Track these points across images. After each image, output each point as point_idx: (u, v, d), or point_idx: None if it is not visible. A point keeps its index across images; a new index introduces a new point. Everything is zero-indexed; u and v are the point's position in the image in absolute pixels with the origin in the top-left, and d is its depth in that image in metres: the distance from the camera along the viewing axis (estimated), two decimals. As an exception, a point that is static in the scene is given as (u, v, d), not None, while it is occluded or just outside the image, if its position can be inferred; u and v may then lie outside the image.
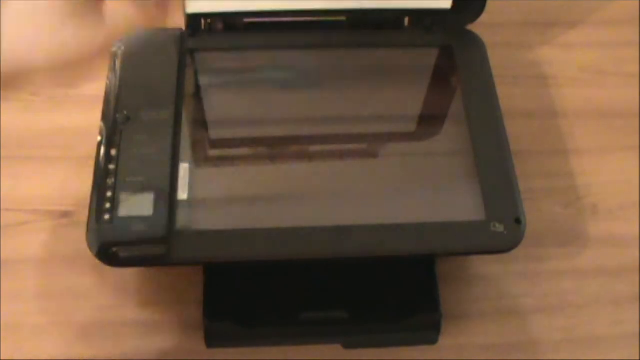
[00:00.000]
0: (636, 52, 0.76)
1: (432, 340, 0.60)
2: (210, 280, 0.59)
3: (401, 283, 0.60)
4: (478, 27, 0.67)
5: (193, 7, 0.63)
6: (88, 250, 0.53)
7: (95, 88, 0.65)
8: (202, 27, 0.64)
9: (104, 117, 0.58)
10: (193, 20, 0.64)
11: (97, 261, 0.59)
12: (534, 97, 0.73)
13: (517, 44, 0.76)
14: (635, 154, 0.70)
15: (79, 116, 0.68)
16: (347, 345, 0.59)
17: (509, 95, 0.70)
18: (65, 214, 0.64)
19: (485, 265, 0.64)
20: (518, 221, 0.56)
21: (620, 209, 0.67)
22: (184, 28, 0.64)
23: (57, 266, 0.62)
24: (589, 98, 0.73)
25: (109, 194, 0.54)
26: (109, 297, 0.61)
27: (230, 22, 0.64)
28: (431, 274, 0.61)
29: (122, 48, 0.62)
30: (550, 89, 0.73)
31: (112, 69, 0.61)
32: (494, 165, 0.58)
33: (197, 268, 0.60)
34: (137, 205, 0.54)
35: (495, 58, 0.67)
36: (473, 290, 0.63)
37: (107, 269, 0.60)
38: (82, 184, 0.62)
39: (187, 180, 0.56)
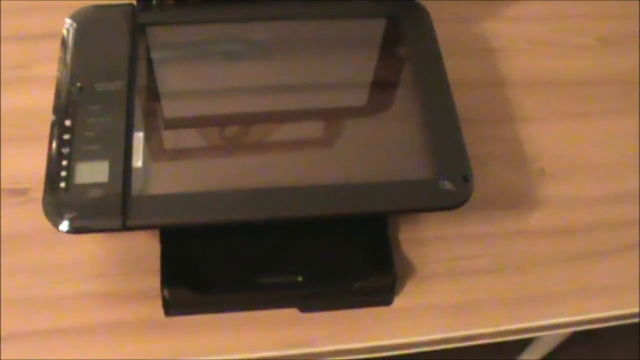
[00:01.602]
0: (579, 24, 0.80)
1: (388, 302, 0.62)
2: (167, 249, 0.61)
3: (355, 246, 0.62)
4: (428, 3, 0.70)
5: (143, -17, 0.64)
6: (44, 227, 0.54)
7: (51, 68, 0.65)
8: (153, 1, 0.66)
9: (58, 89, 0.60)
10: (143, -5, 0.65)
11: (52, 237, 0.61)
12: (483, 68, 0.76)
13: (466, 19, 0.79)
14: (580, 121, 0.73)
15: (35, 96, 0.69)
16: (304, 309, 0.61)
17: (459, 67, 0.72)
18: (22, 192, 0.65)
19: (438, 228, 0.66)
20: (466, 178, 0.58)
21: (567, 172, 0.70)
22: (134, 3, 0.66)
23: (13, 243, 0.63)
24: (536, 68, 0.76)
25: (65, 162, 0.56)
26: (65, 271, 0.62)
27: (180, -4, 0.66)
28: (384, 236, 0.63)
29: (74, 24, 0.64)
30: (499, 60, 0.76)
31: (65, 44, 0.63)
32: (441, 126, 0.61)
33: (155, 238, 0.62)
34: (93, 173, 0.56)
35: (445, 32, 0.70)
36: (427, 252, 0.65)
37: (63, 243, 0.62)
38: (38, 162, 0.62)
39: (141, 147, 0.58)
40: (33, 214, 0.57)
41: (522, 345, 1.20)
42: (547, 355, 1.20)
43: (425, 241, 0.65)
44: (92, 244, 0.63)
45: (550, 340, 1.13)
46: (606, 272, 0.65)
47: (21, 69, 0.72)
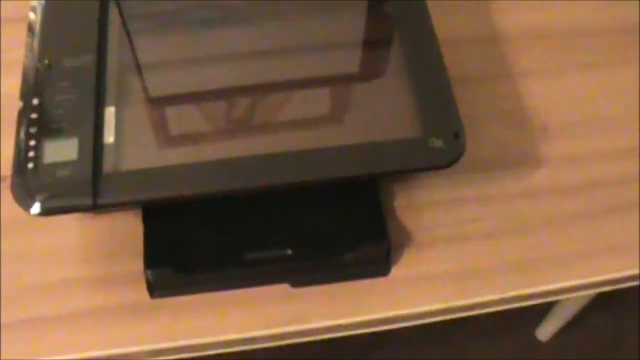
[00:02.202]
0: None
1: (384, 272, 0.59)
2: (149, 229, 0.59)
3: (346, 215, 0.60)
4: None
5: (111, -47, 0.62)
6: (25, 213, 0.52)
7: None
8: (124, -27, 0.63)
9: (25, 67, 0.58)
10: (112, -34, 0.63)
11: (34, 223, 0.59)
12: (477, 23, 0.72)
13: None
14: (581, 73, 0.69)
15: (12, 81, 0.67)
16: (295, 284, 0.59)
17: (452, 23, 0.70)
18: (2, 179, 0.63)
19: (434, 192, 0.63)
20: (456, 135, 0.55)
21: (570, 127, 0.66)
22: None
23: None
24: (532, 21, 0.73)
25: (33, 142, 0.54)
26: (49, 257, 0.60)
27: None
28: (376, 202, 0.60)
29: (42, 1, 0.61)
30: (493, 14, 0.73)
31: (32, 22, 0.60)
32: (430, 83, 0.58)
33: (138, 218, 0.59)
34: (62, 151, 0.54)
35: None
36: (424, 218, 0.62)
37: (46, 229, 0.60)
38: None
39: (113, 123, 0.56)
40: (12, 200, 0.55)
41: (538, 318, 1.17)
42: (565, 326, 1.16)
43: (422, 207, 0.62)
44: (75, 228, 0.61)
45: (564, 310, 1.09)
46: (614, 231, 0.62)
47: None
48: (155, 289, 0.58)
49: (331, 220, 0.59)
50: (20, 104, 0.56)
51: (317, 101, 0.60)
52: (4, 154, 0.63)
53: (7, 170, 0.55)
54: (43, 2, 0.62)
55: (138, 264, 0.58)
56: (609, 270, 0.60)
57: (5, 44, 0.70)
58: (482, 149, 0.64)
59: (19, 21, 0.66)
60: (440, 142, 0.54)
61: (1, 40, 0.71)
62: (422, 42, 0.60)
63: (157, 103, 0.59)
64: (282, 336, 0.58)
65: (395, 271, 0.59)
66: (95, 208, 0.52)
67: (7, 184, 0.61)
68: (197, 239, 0.59)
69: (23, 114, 0.56)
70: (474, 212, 0.62)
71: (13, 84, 0.59)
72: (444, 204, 0.62)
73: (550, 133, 0.66)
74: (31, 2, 0.63)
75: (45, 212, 0.52)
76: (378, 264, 0.59)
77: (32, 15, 0.62)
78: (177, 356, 0.58)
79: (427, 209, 0.62)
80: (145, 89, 0.60)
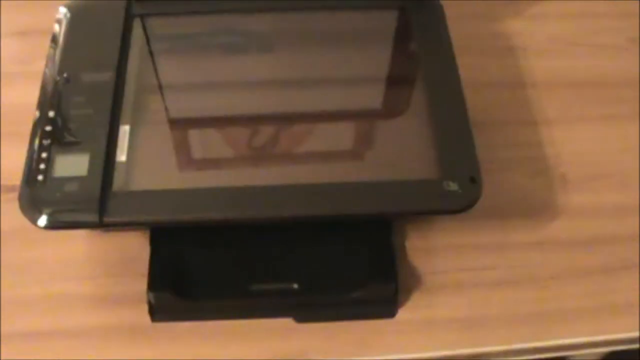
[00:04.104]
0: (606, 24, 0.76)
1: (390, 314, 0.58)
2: (156, 251, 0.58)
3: (356, 253, 0.59)
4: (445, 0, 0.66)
5: (140, -28, 0.62)
6: (31, 225, 0.52)
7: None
8: (150, -9, 0.63)
9: (44, 80, 0.58)
10: (140, -15, 0.63)
11: (41, 235, 0.58)
12: (502, 67, 0.71)
13: (486, 16, 0.75)
14: (605, 124, 0.68)
15: (31, 92, 0.67)
16: (300, 319, 0.58)
17: (476, 66, 0.69)
18: (13, 189, 0.62)
19: (448, 236, 0.62)
20: (473, 180, 0.54)
21: (590, 179, 0.65)
22: (132, -6, 0.64)
23: (3, 240, 0.60)
24: (559, 69, 0.72)
25: (44, 154, 0.54)
26: (53, 271, 0.59)
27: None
28: (388, 243, 0.59)
29: (68, 14, 0.62)
30: (519, 59, 0.72)
31: (56, 34, 0.60)
32: (450, 125, 0.57)
33: (145, 239, 0.59)
34: (72, 166, 0.53)
35: (463, 29, 0.66)
36: (435, 261, 0.61)
37: (53, 241, 0.60)
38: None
39: (126, 141, 0.55)
40: (19, 211, 0.54)
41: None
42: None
43: (434, 250, 0.61)
44: (82, 244, 0.60)
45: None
46: (629, 288, 0.60)
47: (22, 64, 0.71)
48: (157, 312, 0.57)
49: (340, 257, 0.58)
50: (36, 115, 0.56)
51: (335, 135, 0.59)
52: (18, 163, 0.63)
53: (16, 180, 0.55)
54: (69, 15, 0.62)
55: (141, 285, 0.57)
56: (622, 329, 0.58)
57: (32, 54, 0.70)
58: (499, 195, 0.63)
59: (47, 33, 0.67)
60: (456, 186, 0.53)
61: (25, 50, 0.71)
62: (446, 83, 0.60)
63: (172, 125, 0.59)
64: (282, 370, 0.57)
65: (402, 313, 0.58)
66: (102, 226, 0.51)
67: (14, 194, 0.62)
68: (203, 265, 0.58)
69: (38, 124, 0.56)
70: (486, 259, 0.61)
71: (32, 95, 0.59)
72: (456, 248, 0.61)
73: (569, 184, 0.64)
74: (60, 8, 0.63)
75: (52, 225, 0.52)
76: (384, 304, 0.58)
77: (56, 28, 0.62)
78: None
79: (438, 253, 0.61)
80: (161, 111, 0.59)
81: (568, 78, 0.71)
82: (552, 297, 0.59)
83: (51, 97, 0.56)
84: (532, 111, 0.68)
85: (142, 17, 0.63)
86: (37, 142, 0.54)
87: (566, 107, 0.69)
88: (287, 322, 0.57)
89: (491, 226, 0.62)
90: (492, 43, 0.73)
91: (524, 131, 0.67)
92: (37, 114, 0.56)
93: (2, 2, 0.75)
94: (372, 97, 0.62)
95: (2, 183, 0.63)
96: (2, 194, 0.62)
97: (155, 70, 0.61)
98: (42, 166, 0.53)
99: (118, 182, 0.53)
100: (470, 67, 0.63)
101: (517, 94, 0.69)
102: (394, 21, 0.65)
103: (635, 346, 0.60)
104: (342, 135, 0.59)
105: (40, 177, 0.52)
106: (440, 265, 0.60)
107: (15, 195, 0.61)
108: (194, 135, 0.59)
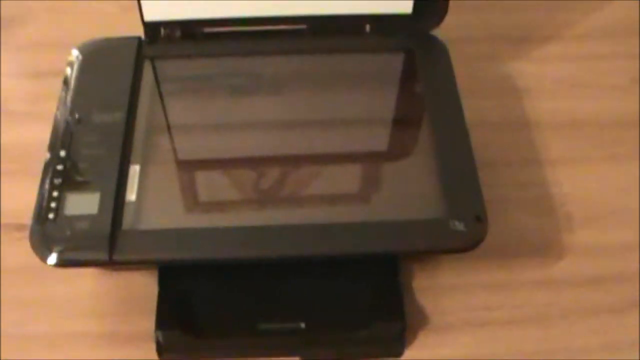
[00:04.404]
0: (609, 65, 0.77)
1: (397, 353, 0.58)
2: (163, 289, 0.58)
3: (363, 292, 0.59)
4: (451, 41, 0.68)
5: (151, 15, 0.64)
6: (40, 262, 0.53)
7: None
8: (161, 34, 0.65)
9: (56, 120, 0.59)
10: (151, 28, 0.65)
11: (51, 272, 0.59)
12: (506, 108, 0.72)
13: (490, 58, 0.76)
14: (610, 164, 0.69)
15: (40, 131, 0.68)
16: (306, 358, 0.58)
17: (481, 107, 0.70)
18: (20, 227, 0.63)
19: (455, 275, 0.62)
20: (479, 219, 0.55)
21: (595, 218, 0.65)
22: (143, 36, 0.65)
23: (9, 278, 0.61)
24: (563, 109, 0.73)
25: (55, 193, 0.55)
26: (59, 308, 0.60)
27: (189, 30, 0.65)
28: (395, 282, 0.59)
29: (80, 56, 0.63)
30: (523, 100, 0.73)
31: (68, 75, 0.62)
32: (455, 165, 0.58)
33: (153, 277, 0.59)
34: (83, 205, 0.54)
35: (468, 71, 0.68)
36: (442, 301, 0.61)
37: (59, 279, 0.60)
38: (38, 197, 0.61)
39: (136, 181, 0.56)
40: (28, 248, 0.55)
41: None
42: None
43: (441, 289, 0.61)
44: (90, 281, 0.61)
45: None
46: (636, 327, 0.60)
47: (33, 104, 0.72)
48: (165, 351, 0.57)
49: (348, 296, 0.59)
50: (47, 154, 0.57)
51: (342, 176, 0.60)
52: (26, 201, 0.63)
53: (26, 218, 0.56)
54: (80, 57, 0.63)
55: (149, 323, 0.57)
56: (629, 368, 0.58)
57: (42, 95, 0.72)
58: (505, 234, 0.63)
59: (57, 75, 0.68)
60: (462, 225, 0.54)
61: (37, 91, 0.72)
62: (451, 124, 0.61)
63: (182, 166, 0.60)
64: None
65: (409, 353, 0.58)
66: (111, 264, 0.52)
67: (23, 232, 0.62)
68: (211, 304, 0.58)
69: (49, 164, 0.57)
70: (492, 298, 0.61)
71: (43, 135, 0.61)
72: (462, 287, 0.61)
73: (574, 223, 0.65)
74: (73, 50, 0.65)
75: (62, 263, 0.52)
76: (392, 343, 0.58)
77: (68, 70, 0.63)
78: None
79: (445, 292, 0.61)
80: (171, 151, 0.60)
81: (572, 119, 0.72)
82: (559, 335, 0.59)
83: (63, 137, 0.58)
84: (536, 151, 0.69)
85: (152, 59, 0.64)
86: (48, 180, 0.55)
87: (570, 147, 0.70)
88: (293, 360, 0.58)
89: (497, 265, 0.62)
90: (497, 84, 0.74)
91: (529, 171, 0.68)
92: (49, 153, 0.57)
93: (15, 44, 0.77)
94: (379, 138, 0.63)
95: (11, 221, 0.64)
96: (11, 232, 0.63)
97: (165, 111, 0.63)
98: (53, 204, 0.54)
99: (128, 221, 0.54)
100: (475, 108, 0.64)
101: (521, 135, 0.70)
102: (399, 63, 0.67)
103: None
104: (348, 176, 0.60)
105: (51, 215, 0.53)
106: (447, 304, 0.60)
107: (24, 233, 0.62)
108: (203, 176, 0.60)
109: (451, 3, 0.66)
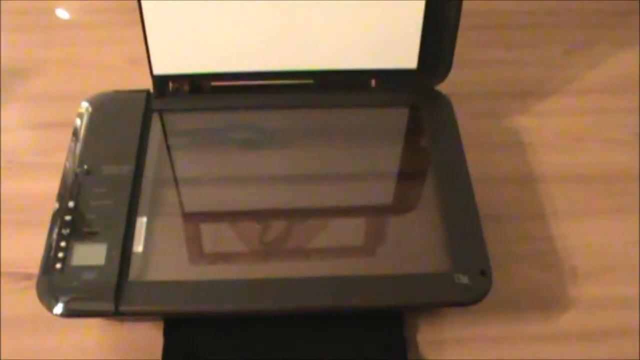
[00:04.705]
0: (613, 119, 0.78)
1: (402, 407, 0.58)
2: (169, 341, 0.58)
3: (368, 345, 0.59)
4: (456, 96, 0.69)
5: (160, 69, 0.65)
6: (46, 312, 0.53)
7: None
8: (169, 88, 0.66)
9: (65, 171, 0.60)
10: (160, 81, 0.66)
11: (56, 322, 0.59)
12: (511, 163, 0.73)
13: (494, 112, 0.78)
14: (614, 217, 0.69)
15: (48, 182, 0.69)
16: (311, 411, 0.57)
17: (486, 161, 0.71)
18: (28, 276, 0.64)
19: (460, 329, 0.62)
20: (483, 273, 0.55)
21: (600, 272, 0.66)
22: (151, 89, 0.66)
23: (17, 327, 0.61)
24: (567, 163, 0.73)
25: (63, 244, 0.55)
26: (65, 358, 0.59)
27: (197, 84, 0.66)
28: (399, 336, 0.59)
29: (89, 108, 0.64)
30: (528, 155, 0.73)
31: (78, 126, 0.63)
32: (460, 219, 0.59)
33: (158, 328, 0.59)
34: (90, 255, 0.55)
35: (472, 125, 0.69)
36: (446, 354, 0.61)
37: (67, 329, 0.61)
38: (46, 247, 0.62)
39: (143, 233, 0.57)
40: (34, 297, 0.56)
41: None
42: None
43: (446, 342, 0.61)
44: (96, 331, 0.61)
45: None
46: (642, 380, 0.60)
47: (42, 155, 0.73)
48: (168, 403, 0.57)
49: (352, 349, 0.59)
50: (56, 205, 0.58)
51: (346, 229, 0.61)
52: (33, 251, 0.64)
53: (33, 268, 0.56)
54: (90, 109, 0.64)
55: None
56: None
57: (51, 146, 0.73)
58: (510, 288, 0.63)
59: (68, 126, 0.69)
60: (467, 279, 0.54)
61: (47, 142, 0.73)
62: (456, 178, 0.62)
63: (188, 218, 0.61)
64: None
65: (413, 408, 0.58)
66: (117, 315, 0.52)
67: (29, 282, 0.63)
68: (216, 355, 0.58)
69: (57, 215, 0.57)
70: (497, 351, 0.61)
71: (51, 186, 0.62)
72: (467, 341, 0.61)
73: (579, 277, 0.65)
74: (83, 102, 0.66)
75: (68, 313, 0.53)
76: (396, 398, 0.58)
77: (78, 122, 0.64)
78: None
79: (450, 345, 0.61)
80: (178, 204, 0.61)
81: (575, 172, 0.72)
82: (565, 390, 0.59)
83: (71, 188, 0.58)
84: (541, 205, 0.70)
85: (160, 112, 0.66)
86: (56, 231, 0.56)
87: (574, 201, 0.70)
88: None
89: (502, 319, 0.62)
90: (501, 138, 0.75)
91: (534, 225, 0.68)
92: (57, 204, 0.58)
93: (25, 95, 0.78)
94: (384, 192, 0.64)
95: (18, 270, 0.64)
96: (18, 281, 0.63)
97: (172, 164, 0.64)
98: (60, 255, 0.55)
99: (134, 272, 0.54)
100: (479, 162, 0.65)
101: (526, 188, 0.71)
102: (404, 117, 0.68)
103: None
104: (353, 229, 0.60)
105: (58, 266, 0.54)
106: (452, 358, 0.60)
107: (30, 283, 0.63)
108: (209, 228, 0.60)
109: (455, 58, 0.67)
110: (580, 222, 0.69)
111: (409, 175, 0.65)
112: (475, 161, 0.64)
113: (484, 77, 0.81)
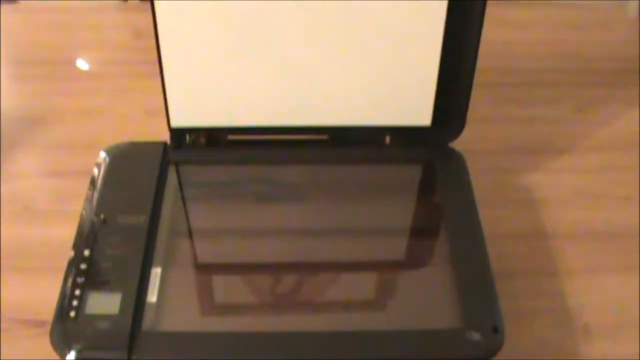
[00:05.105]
0: (626, 176, 0.78)
1: None
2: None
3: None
4: (469, 152, 0.70)
5: (177, 122, 0.66)
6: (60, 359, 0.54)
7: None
8: (186, 141, 0.67)
9: (82, 219, 0.61)
10: (177, 134, 0.67)
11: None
12: (524, 219, 0.74)
13: (507, 169, 0.79)
14: (628, 274, 0.69)
15: (64, 230, 0.70)
16: None
17: (499, 218, 0.72)
18: (41, 324, 0.64)
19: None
20: (495, 329, 0.55)
21: (614, 329, 0.66)
22: (168, 141, 0.68)
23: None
24: (580, 220, 0.74)
25: (78, 292, 0.56)
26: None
27: (214, 137, 0.68)
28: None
29: (107, 158, 0.66)
30: (541, 211, 0.74)
31: (96, 175, 0.64)
32: (472, 276, 0.59)
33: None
34: (104, 304, 0.55)
35: (486, 182, 0.70)
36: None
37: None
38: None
39: (157, 283, 0.58)
40: (49, 345, 0.56)
41: None
42: None
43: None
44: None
45: None
46: None
47: (58, 203, 0.74)
48: None
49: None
50: (71, 253, 0.59)
51: (359, 284, 0.61)
52: (47, 298, 0.65)
53: (46, 315, 0.57)
54: (107, 159, 0.66)
55: None
56: None
57: (68, 194, 0.74)
58: (522, 345, 0.63)
59: (84, 174, 0.71)
60: (478, 336, 0.55)
61: (63, 190, 0.75)
62: (468, 234, 0.62)
63: (203, 270, 0.62)
64: None
65: None
66: (131, 364, 0.53)
67: (42, 329, 0.64)
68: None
69: (73, 263, 0.58)
70: (509, 410, 0.61)
71: (67, 233, 0.63)
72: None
73: (592, 334, 0.65)
74: (101, 152, 0.67)
75: (83, 362, 0.53)
76: None
77: (95, 171, 0.65)
78: None
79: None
80: (192, 255, 0.62)
81: (587, 229, 0.73)
82: None
83: (87, 237, 0.59)
84: (553, 261, 0.70)
85: (177, 163, 0.67)
86: (71, 279, 0.57)
87: (586, 258, 0.70)
88: None
89: (515, 376, 0.62)
90: (513, 195, 0.76)
91: (546, 281, 0.69)
92: (73, 252, 0.59)
93: (43, 144, 0.80)
94: (397, 247, 0.65)
95: (32, 317, 0.64)
96: (31, 328, 0.64)
97: (188, 215, 0.65)
98: (75, 303, 0.55)
99: (147, 322, 0.55)
100: (492, 219, 0.66)
101: (538, 245, 0.71)
102: (418, 174, 0.69)
103: None
104: (366, 284, 0.61)
105: (72, 313, 0.54)
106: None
107: (43, 330, 0.63)
108: (222, 280, 0.61)
109: (468, 115, 0.69)
110: (593, 279, 0.69)
111: (422, 231, 0.65)
112: (489, 217, 0.65)
113: (497, 133, 0.82)
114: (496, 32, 0.93)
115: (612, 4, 1.05)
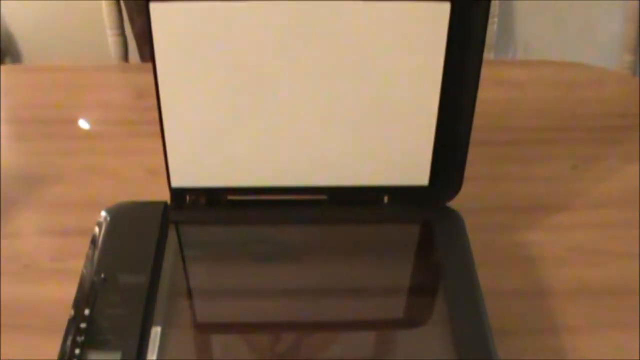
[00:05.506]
0: (624, 232, 0.79)
1: None
2: None
3: None
4: (467, 211, 0.71)
5: (178, 182, 0.68)
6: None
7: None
8: (186, 200, 0.68)
9: (82, 278, 0.62)
10: (177, 194, 0.68)
11: None
12: (521, 277, 0.74)
13: (504, 227, 0.79)
14: (627, 331, 0.69)
15: (64, 288, 0.70)
16: None
17: (496, 276, 0.72)
18: (36, 385, 0.64)
19: None
20: (496, 387, 0.55)
21: (615, 387, 0.65)
22: (169, 201, 0.69)
23: None
24: (578, 277, 0.74)
25: (77, 351, 0.56)
26: None
27: (214, 197, 0.69)
28: None
29: (108, 217, 0.67)
30: (539, 269, 0.75)
31: (96, 236, 0.65)
32: (471, 333, 0.60)
33: None
34: (103, 364, 0.55)
35: (484, 240, 0.71)
36: None
37: None
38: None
39: (157, 343, 0.58)
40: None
41: None
42: None
43: None
44: None
45: None
46: None
47: (58, 262, 0.75)
48: None
49: None
50: (72, 312, 0.59)
51: (358, 344, 0.62)
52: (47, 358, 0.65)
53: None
54: (109, 218, 0.67)
55: None
56: None
57: (68, 253, 0.75)
58: (522, 405, 0.64)
59: (84, 233, 0.71)
60: (480, 395, 0.55)
61: (63, 249, 0.75)
62: (466, 293, 0.63)
63: (203, 330, 0.62)
64: None
65: None
66: None
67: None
68: None
69: (72, 322, 0.59)
70: None
71: (67, 292, 0.63)
72: None
73: (594, 393, 0.65)
74: (101, 212, 0.68)
75: None
76: None
77: (96, 230, 0.66)
78: None
79: None
80: (192, 315, 0.63)
81: (585, 286, 0.73)
82: None
83: (88, 296, 0.60)
84: (552, 319, 0.70)
85: (177, 223, 0.68)
86: (71, 338, 0.57)
87: (585, 315, 0.71)
88: None
89: None
90: (511, 253, 0.76)
91: (546, 339, 0.69)
92: (73, 311, 0.59)
93: (44, 202, 0.81)
94: (395, 307, 0.65)
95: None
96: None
97: (188, 275, 0.66)
98: (74, 363, 0.55)
99: (146, 382, 0.55)
100: (490, 277, 0.66)
101: (537, 303, 0.72)
102: (416, 233, 0.70)
103: None
104: (365, 345, 0.62)
105: (71, 374, 0.55)
106: None
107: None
108: (223, 341, 0.62)
109: (466, 174, 0.70)
110: (592, 335, 0.69)
111: (420, 291, 0.66)
112: (487, 275, 0.66)
113: (493, 191, 0.83)
114: (492, 91, 0.95)
115: (605, 62, 1.08)
